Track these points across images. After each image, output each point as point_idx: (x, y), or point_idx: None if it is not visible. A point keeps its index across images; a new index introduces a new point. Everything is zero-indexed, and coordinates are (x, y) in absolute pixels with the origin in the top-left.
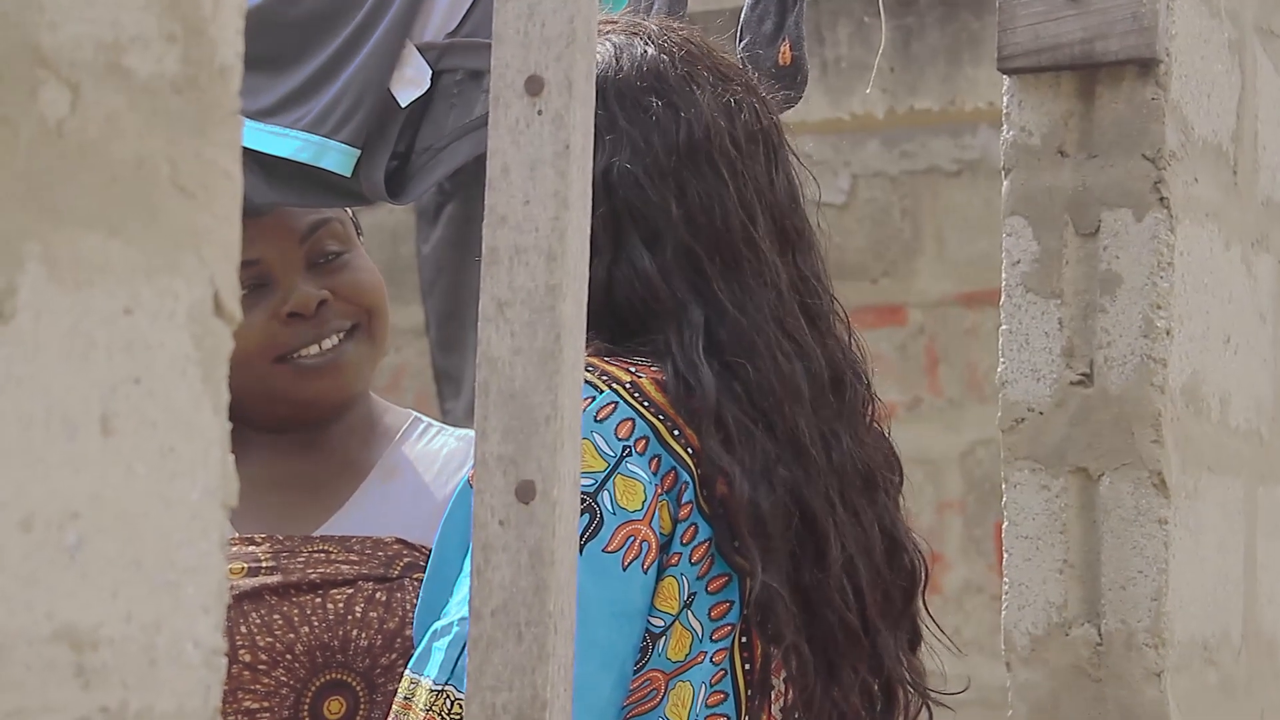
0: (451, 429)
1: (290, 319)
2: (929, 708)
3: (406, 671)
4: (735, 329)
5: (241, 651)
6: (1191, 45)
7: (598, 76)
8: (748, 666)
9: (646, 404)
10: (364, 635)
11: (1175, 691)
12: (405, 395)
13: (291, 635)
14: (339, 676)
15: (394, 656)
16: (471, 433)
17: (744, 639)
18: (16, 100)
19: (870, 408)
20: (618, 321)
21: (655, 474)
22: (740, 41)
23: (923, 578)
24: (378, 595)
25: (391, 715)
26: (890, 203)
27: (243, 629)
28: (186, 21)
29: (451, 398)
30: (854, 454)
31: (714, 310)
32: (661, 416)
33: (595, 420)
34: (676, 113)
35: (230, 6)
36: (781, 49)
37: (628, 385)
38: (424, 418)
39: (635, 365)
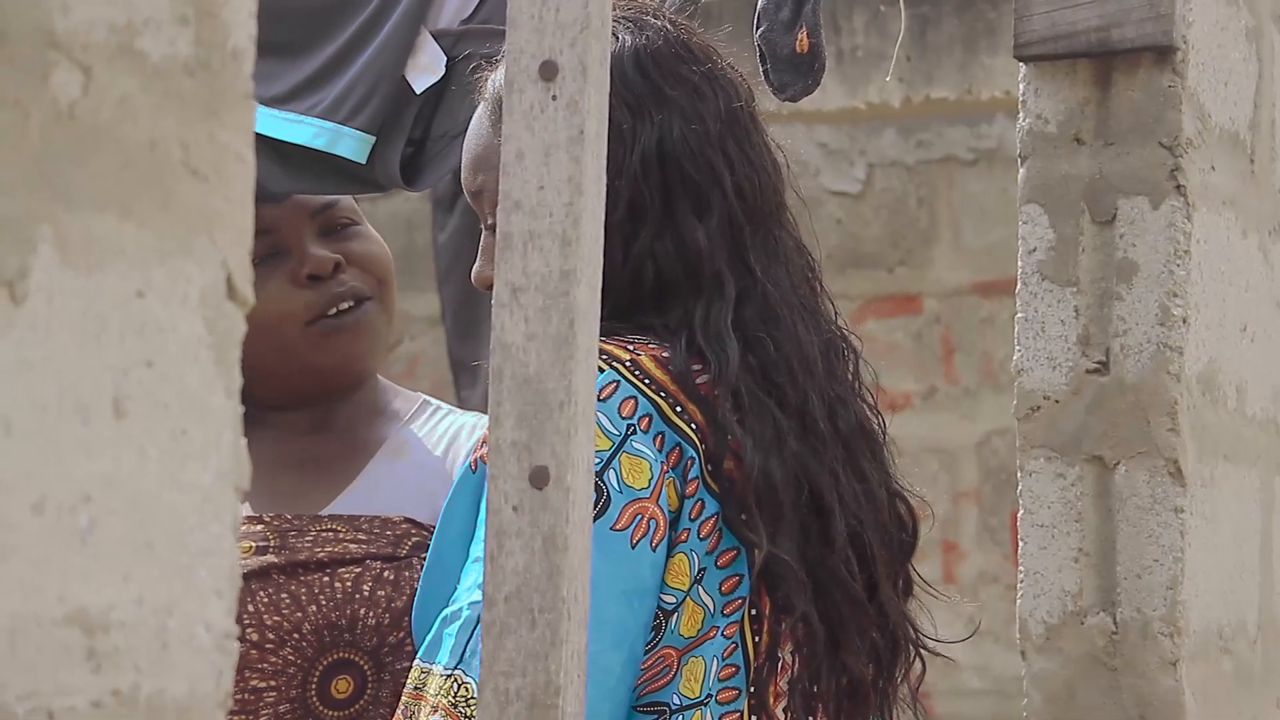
0: (462, 411)
1: (309, 281)
2: (923, 658)
3: (416, 661)
4: (764, 300)
5: (249, 630)
6: (1209, 33)
7: (633, 49)
8: (757, 639)
9: (648, 381)
10: (372, 614)
11: (1191, 680)
12: (421, 384)
13: (299, 614)
14: (347, 655)
15: (401, 635)
16: (484, 415)
17: (753, 611)
18: (29, 83)
19: (858, 368)
20: (629, 297)
21: (660, 451)
22: (757, 29)
23: (918, 529)
24: (386, 574)
25: (401, 707)
26: (906, 192)
27: (250, 608)
28: (199, 4)
29: (468, 386)
30: (859, 414)
31: (746, 282)
32: (663, 394)
33: (598, 399)
34: (712, 80)
35: None
36: (799, 36)
37: (628, 363)
38: (434, 400)
39: (633, 343)
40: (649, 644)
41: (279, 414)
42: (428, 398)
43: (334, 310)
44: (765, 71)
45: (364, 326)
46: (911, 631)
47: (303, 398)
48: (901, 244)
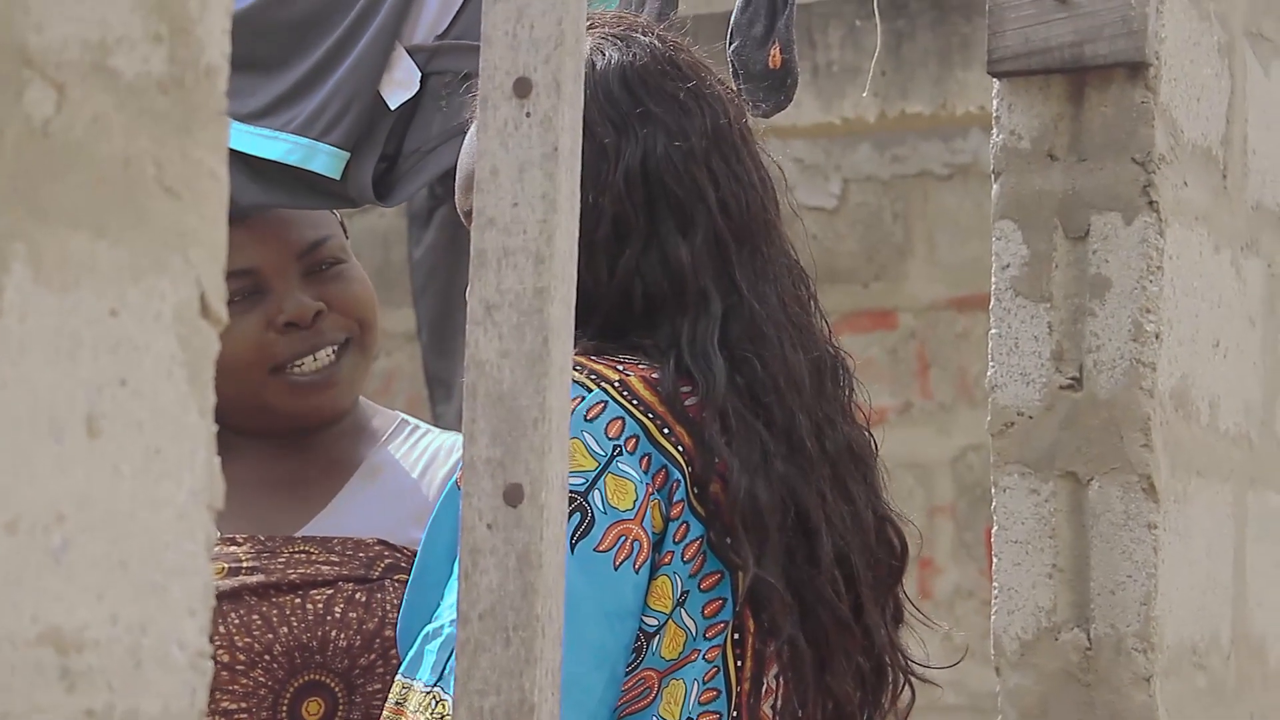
0: (441, 431)
1: (286, 328)
2: (911, 685)
3: (398, 676)
4: (750, 318)
5: (220, 652)
6: (1181, 49)
7: (619, 65)
8: (740, 663)
9: (636, 402)
10: (343, 636)
11: (1164, 696)
12: (397, 400)
13: (270, 636)
14: (317, 677)
15: (373, 657)
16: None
17: (736, 635)
18: (2, 101)
19: (852, 390)
20: (619, 316)
21: (646, 473)
22: (730, 45)
23: (907, 554)
24: (357, 596)
25: None
26: (881, 206)
27: (221, 629)
28: (173, 22)
29: (443, 401)
30: (848, 435)
31: (732, 300)
32: (651, 415)
33: (585, 419)
34: (699, 97)
35: (217, 7)
36: (771, 52)
37: (616, 384)
38: (412, 419)
39: (623, 364)
40: (630, 665)
41: (255, 439)
42: (406, 417)
43: (301, 363)
44: (738, 88)
45: (335, 380)
46: (901, 659)
47: (273, 432)
48: (876, 259)
